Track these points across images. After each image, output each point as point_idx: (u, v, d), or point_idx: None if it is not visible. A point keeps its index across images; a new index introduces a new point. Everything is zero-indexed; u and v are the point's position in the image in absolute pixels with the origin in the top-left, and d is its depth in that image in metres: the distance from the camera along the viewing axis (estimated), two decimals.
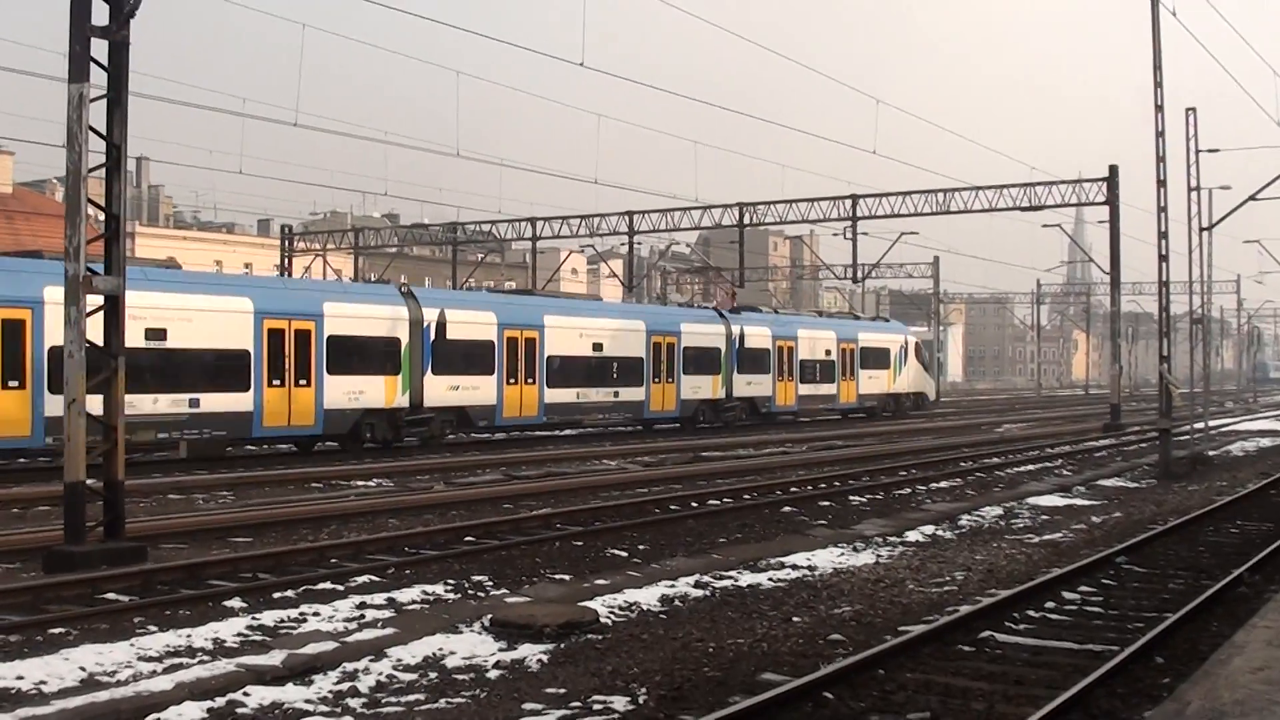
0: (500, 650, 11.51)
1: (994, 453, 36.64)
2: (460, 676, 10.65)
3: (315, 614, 12.94)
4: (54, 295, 21.62)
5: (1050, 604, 13.82)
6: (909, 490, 26.18)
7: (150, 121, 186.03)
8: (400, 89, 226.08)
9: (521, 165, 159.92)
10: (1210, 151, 39.86)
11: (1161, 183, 33.58)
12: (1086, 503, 24.84)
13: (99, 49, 15.70)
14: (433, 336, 36.45)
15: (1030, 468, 32.52)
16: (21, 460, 28.87)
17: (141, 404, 27.65)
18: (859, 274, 59.26)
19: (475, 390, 37.85)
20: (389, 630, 12.11)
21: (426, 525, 19.36)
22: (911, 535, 19.67)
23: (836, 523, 21.00)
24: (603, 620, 12.73)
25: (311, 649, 11.15)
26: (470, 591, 14.39)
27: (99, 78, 15.72)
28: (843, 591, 14.73)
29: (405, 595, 13.98)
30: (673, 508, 22.17)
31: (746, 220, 56.55)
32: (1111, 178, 48.80)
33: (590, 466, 30.43)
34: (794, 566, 16.48)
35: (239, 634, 11.95)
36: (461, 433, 39.19)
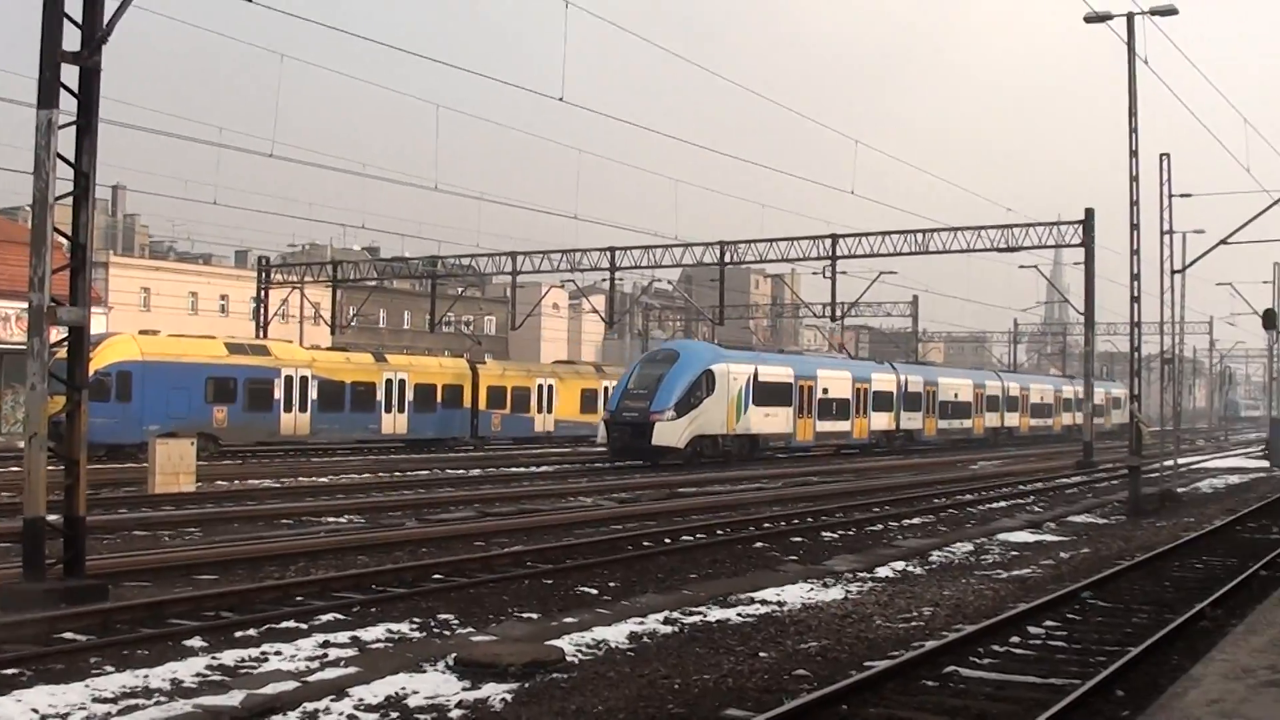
0: (464, 690, 11.36)
1: (967, 489, 36.68)
2: (422, 716, 10.50)
3: (277, 653, 12.74)
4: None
5: (1015, 639, 13.78)
6: (881, 526, 26.13)
7: (126, 150, 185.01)
8: (380, 121, 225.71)
9: (502, 200, 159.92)
10: (1183, 196, 40.16)
11: (1135, 226, 33.90)
12: (1056, 538, 24.84)
13: (70, 75, 15.49)
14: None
15: (1002, 504, 32.56)
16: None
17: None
18: (838, 312, 59.65)
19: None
20: (351, 669, 11.95)
21: (396, 562, 19.16)
22: (882, 571, 19.61)
23: (808, 558, 20.94)
24: (569, 659, 12.59)
25: (271, 689, 10.99)
26: (436, 630, 14.23)
27: (69, 104, 15.53)
28: (811, 627, 14.65)
29: (370, 634, 13.81)
30: (645, 544, 22.04)
31: (727, 258, 56.80)
32: (1087, 221, 49.09)
33: (565, 504, 30.25)
34: (763, 602, 16.39)
35: (198, 674, 11.75)
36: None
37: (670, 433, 46.15)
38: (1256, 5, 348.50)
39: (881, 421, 61.79)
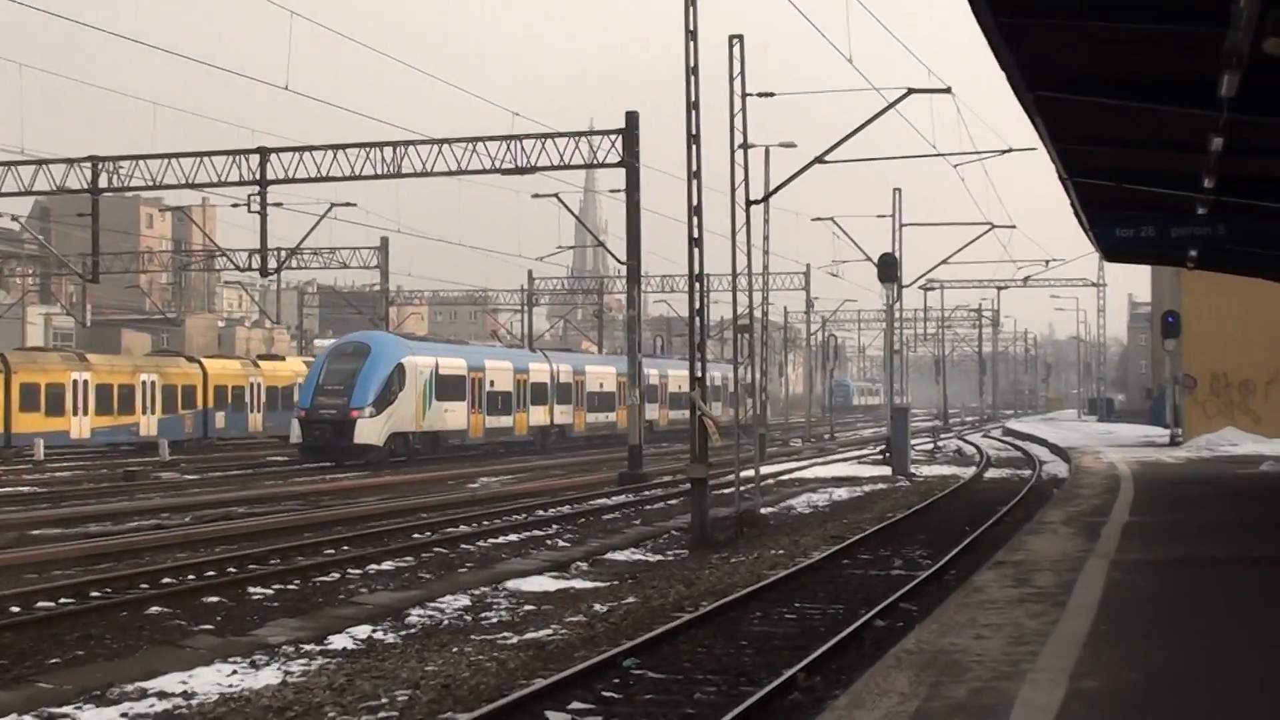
0: None
1: (462, 517, 37.26)
2: None
3: None
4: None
5: None
6: (338, 575, 26.36)
7: None
8: None
9: None
10: (764, 95, 41.15)
11: (695, 138, 32.69)
12: (588, 584, 25.67)
13: None
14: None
15: (513, 537, 33.36)
16: None
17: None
18: (271, 261, 59.52)
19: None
20: None
21: None
22: (337, 641, 19.85)
23: (228, 627, 21.00)
24: None
25: None
26: None
27: None
28: None
29: None
30: None
31: (104, 183, 55.69)
32: (630, 129, 49.51)
33: None
34: (162, 694, 16.40)
35: None
36: None
37: (371, 430, 62.21)
38: None
39: (539, 415, 79.99)
